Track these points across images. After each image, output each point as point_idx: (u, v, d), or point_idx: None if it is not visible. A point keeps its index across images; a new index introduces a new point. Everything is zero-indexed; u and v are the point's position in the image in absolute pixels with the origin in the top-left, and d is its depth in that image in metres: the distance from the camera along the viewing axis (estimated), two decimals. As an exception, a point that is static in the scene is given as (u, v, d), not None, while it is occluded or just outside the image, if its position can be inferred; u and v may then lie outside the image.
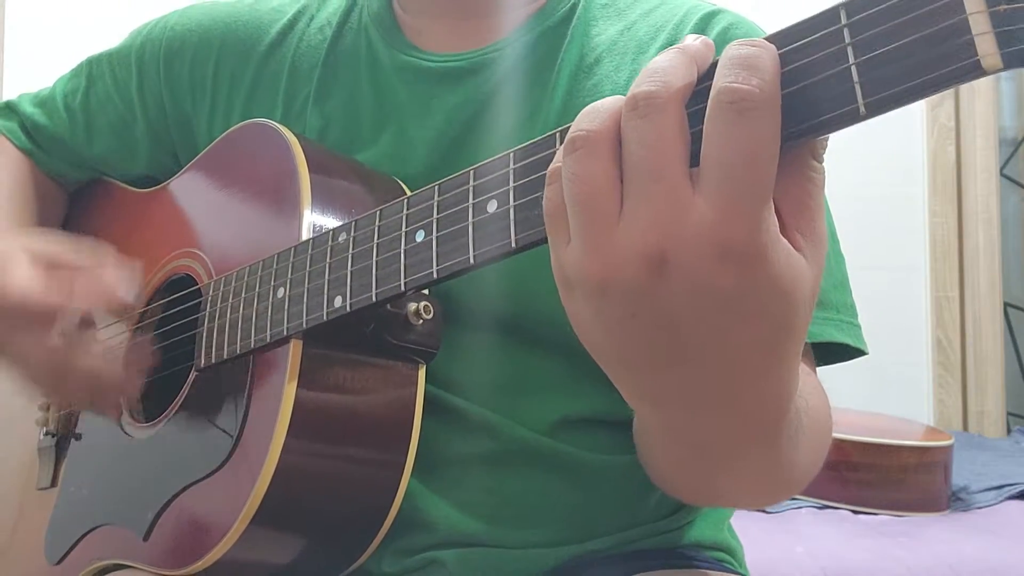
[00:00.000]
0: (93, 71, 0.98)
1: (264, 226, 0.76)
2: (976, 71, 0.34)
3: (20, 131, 1.00)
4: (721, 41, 0.77)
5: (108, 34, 1.02)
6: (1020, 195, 2.73)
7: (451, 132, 0.80)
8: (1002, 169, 2.61)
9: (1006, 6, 0.32)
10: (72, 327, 0.76)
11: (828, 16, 0.39)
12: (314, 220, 0.72)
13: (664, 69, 0.42)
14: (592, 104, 0.44)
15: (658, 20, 0.81)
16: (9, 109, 1.01)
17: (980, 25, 0.33)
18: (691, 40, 0.44)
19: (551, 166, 0.45)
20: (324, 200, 0.73)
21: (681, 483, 0.68)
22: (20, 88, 1.05)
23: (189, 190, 0.89)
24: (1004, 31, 0.33)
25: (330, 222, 0.72)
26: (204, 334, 0.75)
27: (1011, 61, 0.33)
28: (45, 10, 2.39)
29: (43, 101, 1.00)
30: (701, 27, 0.79)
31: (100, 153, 0.98)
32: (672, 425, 0.53)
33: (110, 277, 0.77)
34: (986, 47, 0.33)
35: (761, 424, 0.51)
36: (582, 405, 0.78)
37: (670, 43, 0.78)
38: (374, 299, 0.61)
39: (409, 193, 0.77)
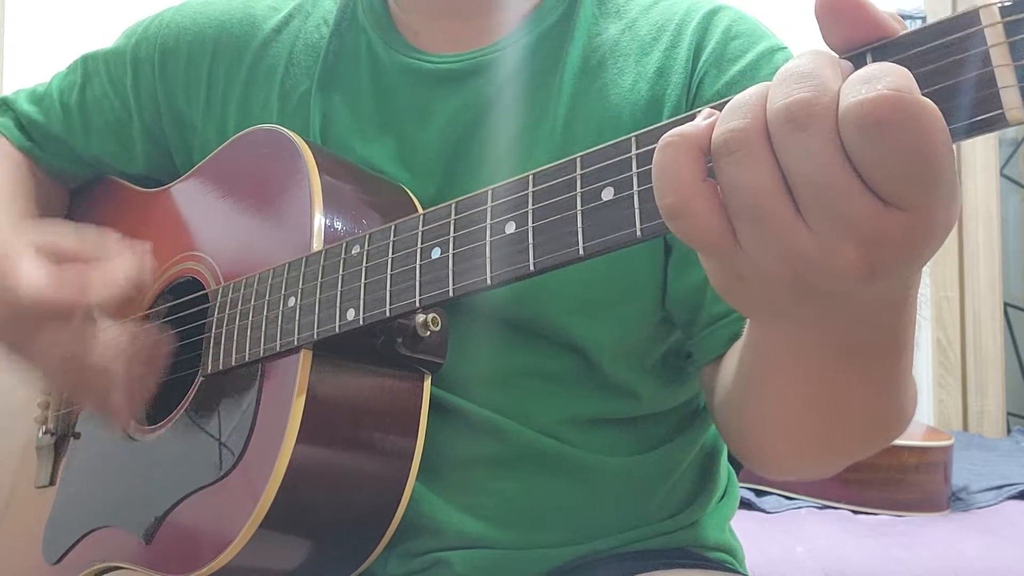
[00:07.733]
0: (88, 68, 0.97)
1: (273, 232, 0.76)
2: (1000, 123, 0.34)
3: (16, 128, 0.98)
4: (725, 39, 0.76)
5: (109, 32, 1.00)
6: (1020, 195, 2.72)
7: (453, 136, 0.79)
8: (1002, 169, 2.61)
9: (1032, 59, 0.31)
10: (89, 323, 0.75)
11: (856, 59, 0.39)
12: (325, 227, 0.71)
13: (812, 72, 0.38)
14: (735, 100, 0.41)
15: (658, 18, 0.80)
16: (5, 105, 1.00)
17: (1006, 78, 0.32)
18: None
19: (666, 197, 0.42)
20: (335, 207, 0.73)
21: (807, 413, 0.62)
22: (20, 85, 1.03)
23: (195, 192, 0.88)
24: (1031, 84, 0.32)
25: (341, 229, 0.72)
26: (212, 340, 0.75)
27: (1036, 114, 0.33)
28: (45, 8, 2.38)
29: (39, 98, 0.99)
30: (704, 25, 0.78)
31: (98, 152, 0.97)
32: (822, 339, 0.52)
33: (120, 265, 0.76)
34: (1011, 100, 0.33)
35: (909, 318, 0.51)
36: (589, 404, 0.78)
37: (674, 44, 0.77)
38: (388, 314, 0.62)
39: (415, 199, 0.77)
